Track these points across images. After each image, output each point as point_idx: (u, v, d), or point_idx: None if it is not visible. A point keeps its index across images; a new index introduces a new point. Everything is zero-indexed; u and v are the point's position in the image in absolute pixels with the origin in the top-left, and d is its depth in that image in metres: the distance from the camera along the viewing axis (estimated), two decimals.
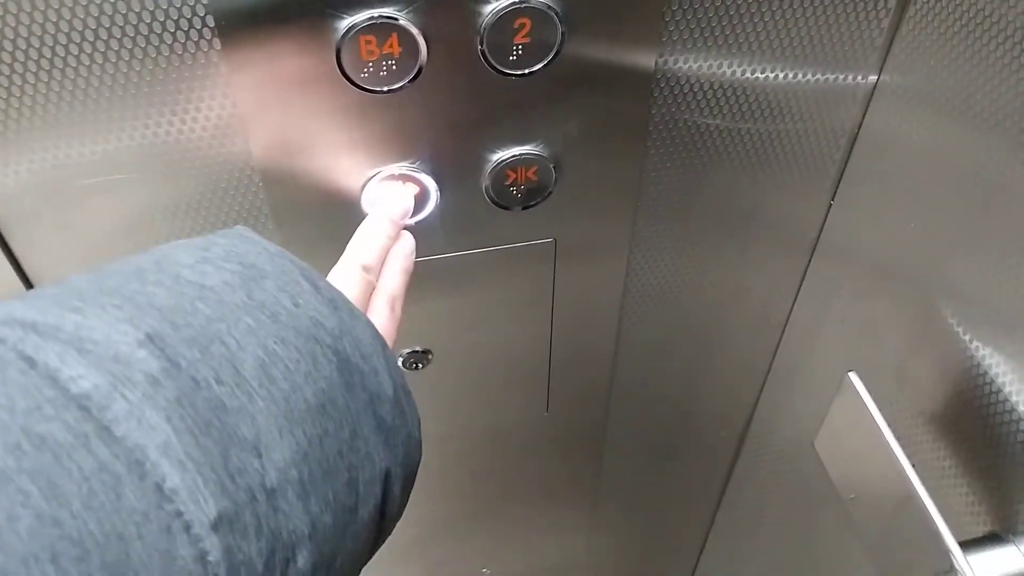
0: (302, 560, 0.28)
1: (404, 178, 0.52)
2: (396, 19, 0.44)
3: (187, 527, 0.24)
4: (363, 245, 0.45)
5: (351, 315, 0.34)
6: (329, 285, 0.34)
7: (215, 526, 0.25)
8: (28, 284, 0.53)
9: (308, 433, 0.29)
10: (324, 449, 0.30)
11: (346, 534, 0.31)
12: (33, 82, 0.43)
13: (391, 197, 0.51)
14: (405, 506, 0.37)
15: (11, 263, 0.51)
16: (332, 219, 0.54)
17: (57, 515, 0.22)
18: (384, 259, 0.46)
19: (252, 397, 0.28)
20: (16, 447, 0.22)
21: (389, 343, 0.43)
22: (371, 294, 0.43)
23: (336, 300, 0.34)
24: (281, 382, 0.29)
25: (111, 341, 0.26)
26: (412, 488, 0.37)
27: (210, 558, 0.24)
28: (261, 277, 0.32)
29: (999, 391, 0.49)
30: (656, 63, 0.52)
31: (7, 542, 0.21)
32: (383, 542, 0.36)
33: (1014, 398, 0.48)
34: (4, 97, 0.44)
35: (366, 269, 0.43)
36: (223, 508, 0.25)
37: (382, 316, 0.43)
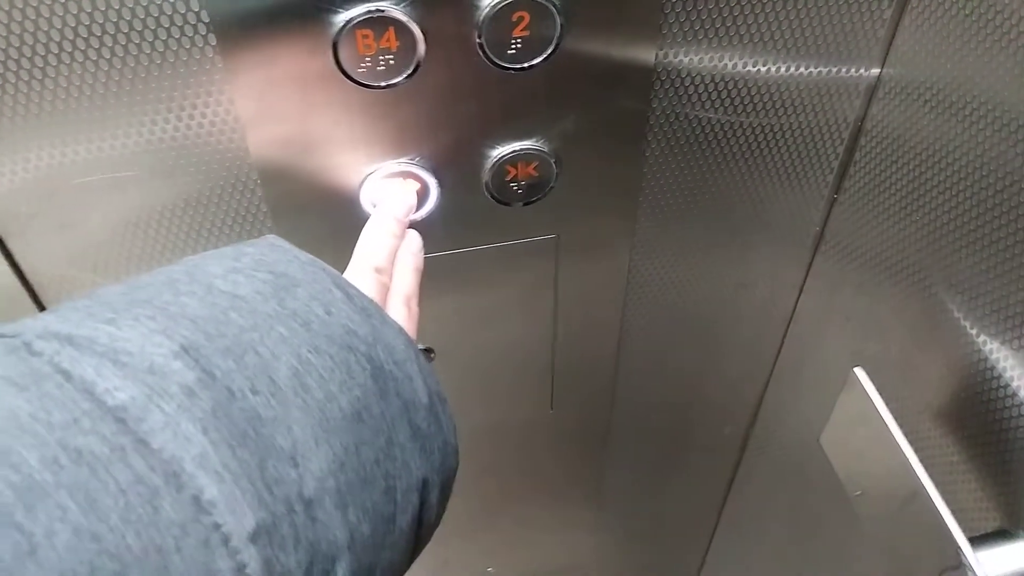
0: (341, 571, 0.28)
1: (404, 175, 0.52)
2: (393, 13, 0.44)
3: (226, 540, 0.24)
4: (372, 247, 0.45)
5: (383, 322, 0.33)
6: (360, 293, 0.34)
7: (253, 538, 0.25)
8: (26, 283, 0.52)
9: (344, 442, 0.29)
10: (361, 458, 0.29)
11: (384, 544, 0.30)
12: (27, 79, 0.43)
13: (393, 195, 0.51)
14: (443, 514, 0.36)
15: (8, 263, 0.51)
16: (331, 217, 0.53)
17: (95, 529, 0.22)
18: (393, 259, 0.45)
19: (287, 406, 0.28)
20: (54, 461, 0.22)
21: None
22: (385, 296, 0.43)
23: (368, 308, 0.33)
24: (316, 391, 0.29)
25: (146, 352, 0.26)
26: (449, 496, 0.37)
27: (249, 570, 0.24)
28: (293, 286, 0.32)
29: (1007, 385, 0.48)
30: (656, 57, 0.51)
31: (45, 558, 0.20)
32: (420, 551, 0.35)
33: (1022, 392, 0.47)
34: (0, 96, 0.44)
35: (378, 271, 0.43)
36: (261, 519, 0.25)
37: (400, 317, 0.42)
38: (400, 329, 0.34)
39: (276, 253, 0.34)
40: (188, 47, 0.44)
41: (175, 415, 0.25)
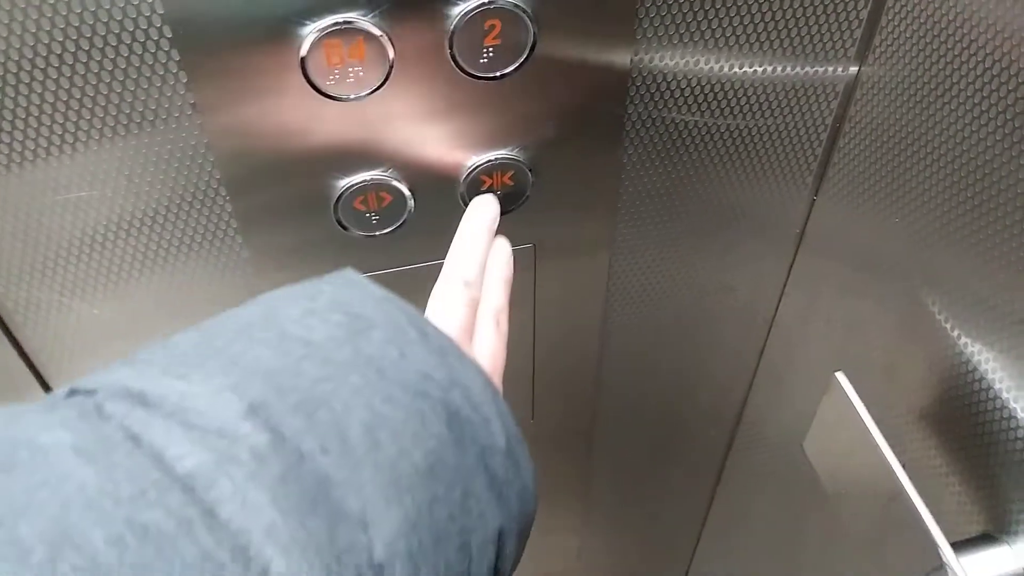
0: None
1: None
2: (362, 23, 0.43)
3: None
4: (462, 258, 0.44)
5: (461, 362, 0.33)
6: (437, 331, 0.33)
7: None
8: None
9: (417, 500, 0.28)
10: (434, 515, 0.28)
11: None
12: None
13: (480, 203, 0.50)
14: (520, 560, 0.35)
15: None
16: (302, 231, 0.52)
17: None
18: (483, 269, 0.45)
19: (358, 466, 0.27)
20: (119, 540, 0.22)
21: (500, 363, 0.42)
22: (475, 311, 0.42)
23: (445, 348, 0.33)
24: (388, 447, 0.28)
25: (215, 412, 0.26)
26: (527, 542, 0.35)
27: None
28: (368, 328, 0.31)
29: (989, 388, 0.48)
30: (631, 61, 0.50)
31: None
32: None
33: (1004, 395, 0.47)
34: None
35: (468, 284, 0.42)
36: None
37: (490, 335, 0.42)
38: (478, 369, 0.33)
39: (352, 290, 0.34)
40: (151, 63, 0.43)
41: (244, 483, 0.24)
